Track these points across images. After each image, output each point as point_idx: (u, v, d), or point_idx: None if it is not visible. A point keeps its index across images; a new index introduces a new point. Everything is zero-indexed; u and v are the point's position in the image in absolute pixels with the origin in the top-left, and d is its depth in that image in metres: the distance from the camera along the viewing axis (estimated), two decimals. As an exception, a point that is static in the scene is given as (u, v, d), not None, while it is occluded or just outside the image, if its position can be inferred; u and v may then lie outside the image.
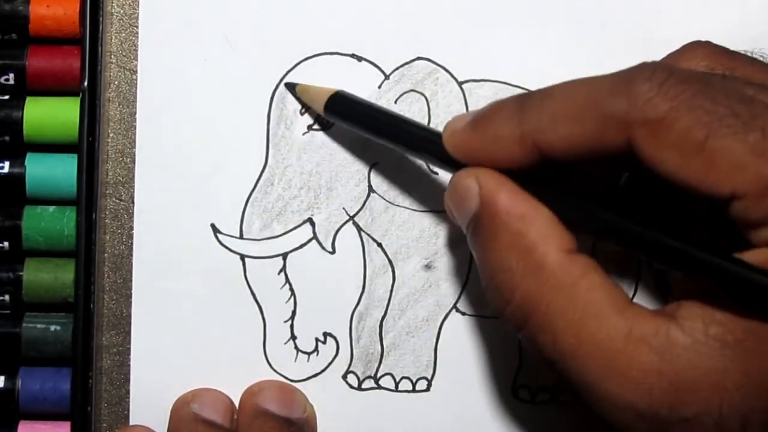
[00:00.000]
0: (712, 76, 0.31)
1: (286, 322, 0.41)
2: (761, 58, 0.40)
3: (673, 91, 0.30)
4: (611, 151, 0.31)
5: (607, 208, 0.32)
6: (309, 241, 0.41)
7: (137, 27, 0.41)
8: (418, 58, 0.41)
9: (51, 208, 0.41)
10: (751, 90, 0.30)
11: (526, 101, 0.33)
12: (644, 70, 0.31)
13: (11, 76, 0.41)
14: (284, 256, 0.41)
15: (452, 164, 0.34)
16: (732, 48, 0.35)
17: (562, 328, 0.31)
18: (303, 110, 0.41)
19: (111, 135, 0.41)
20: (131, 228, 0.40)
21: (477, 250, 0.33)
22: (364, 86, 0.41)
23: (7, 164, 0.41)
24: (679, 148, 0.29)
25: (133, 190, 0.40)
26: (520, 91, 0.41)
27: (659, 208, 0.34)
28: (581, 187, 0.34)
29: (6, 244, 0.41)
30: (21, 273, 0.41)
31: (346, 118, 0.39)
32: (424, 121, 0.41)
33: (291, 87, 0.40)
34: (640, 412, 0.30)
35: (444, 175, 0.40)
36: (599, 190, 0.35)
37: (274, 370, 0.41)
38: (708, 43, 0.35)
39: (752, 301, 0.29)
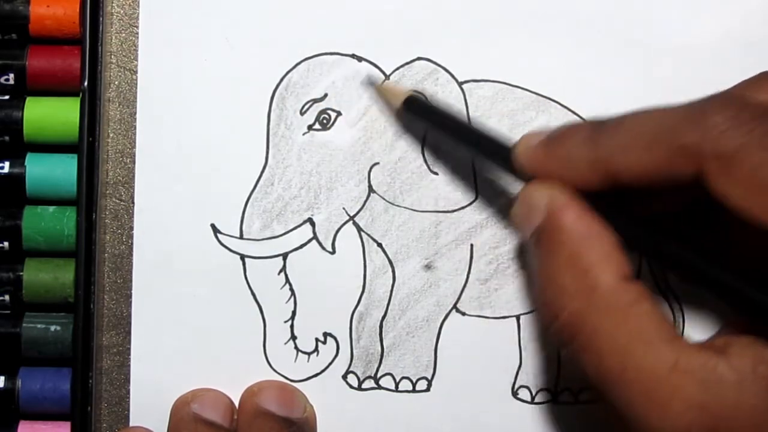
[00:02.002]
0: None
1: (286, 322, 0.41)
2: None
3: (747, 126, 0.30)
4: (681, 180, 0.31)
5: (673, 237, 0.32)
6: (309, 241, 0.41)
7: (137, 27, 0.41)
8: (418, 58, 0.41)
9: (51, 208, 0.41)
10: None
11: (600, 127, 0.33)
12: (717, 101, 0.31)
13: (11, 76, 0.42)
14: (284, 256, 0.41)
15: (522, 175, 0.35)
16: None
17: (607, 352, 0.31)
18: (303, 110, 0.41)
19: (111, 135, 0.40)
20: (131, 228, 0.40)
21: (535, 262, 0.34)
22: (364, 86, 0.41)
23: (7, 164, 0.41)
24: (747, 185, 0.29)
25: (133, 190, 0.40)
26: (520, 91, 0.41)
27: (729, 233, 0.34)
28: (650, 210, 0.34)
29: (6, 244, 0.41)
30: (21, 273, 0.41)
31: (422, 118, 0.40)
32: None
33: (371, 82, 0.40)
34: None
35: (444, 176, 0.40)
36: (668, 213, 0.35)
37: (274, 370, 0.41)
38: None
39: None
